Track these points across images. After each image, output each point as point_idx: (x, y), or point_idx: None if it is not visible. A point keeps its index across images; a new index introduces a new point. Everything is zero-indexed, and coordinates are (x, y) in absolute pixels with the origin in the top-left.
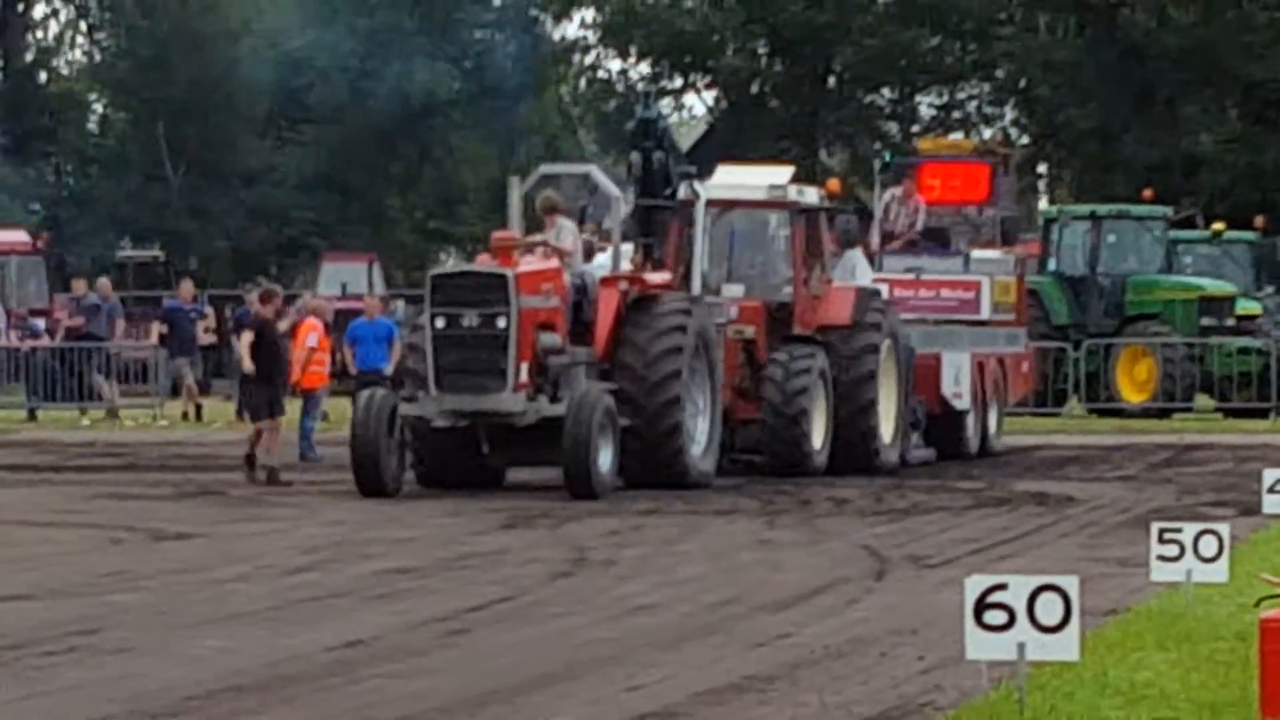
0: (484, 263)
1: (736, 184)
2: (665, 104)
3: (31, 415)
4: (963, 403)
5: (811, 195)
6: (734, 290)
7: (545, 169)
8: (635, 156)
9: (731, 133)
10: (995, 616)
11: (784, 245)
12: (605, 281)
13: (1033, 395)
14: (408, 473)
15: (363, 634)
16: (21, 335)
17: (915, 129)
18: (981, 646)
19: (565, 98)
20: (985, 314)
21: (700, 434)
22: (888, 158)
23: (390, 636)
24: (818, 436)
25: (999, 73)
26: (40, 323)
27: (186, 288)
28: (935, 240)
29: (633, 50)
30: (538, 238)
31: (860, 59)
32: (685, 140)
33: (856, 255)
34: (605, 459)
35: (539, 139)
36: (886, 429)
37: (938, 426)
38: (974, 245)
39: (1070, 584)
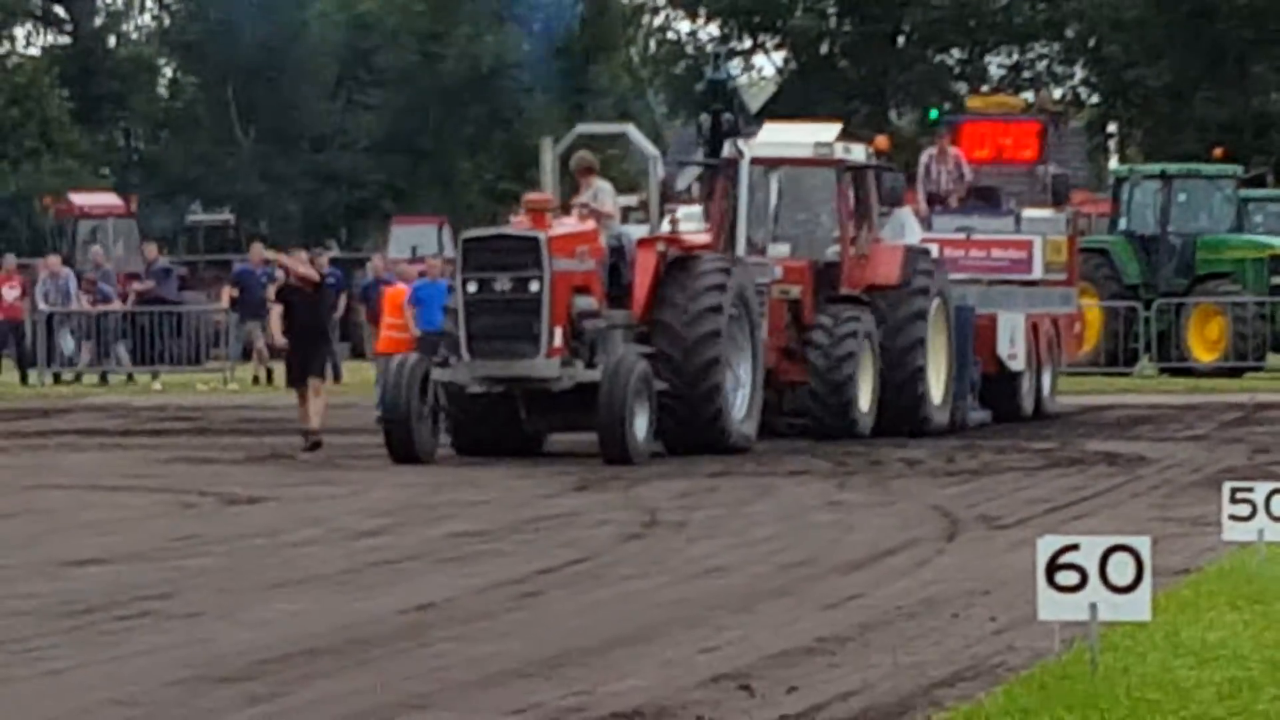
0: (519, 225)
1: (782, 141)
2: (734, 65)
3: (103, 379)
4: (1018, 364)
5: (859, 153)
6: (780, 250)
7: (581, 129)
8: (704, 118)
9: (800, 93)
10: (1067, 577)
11: (831, 204)
12: (643, 243)
13: (1104, 354)
14: (444, 438)
15: (435, 597)
16: (93, 300)
17: (985, 89)
18: (1053, 607)
19: (634, 59)
20: (1037, 274)
21: (741, 396)
22: (933, 115)
23: (462, 599)
24: (864, 398)
25: (1069, 32)
26: (109, 288)
27: (257, 251)
28: (985, 199)
29: (702, 11)
30: (577, 200)
31: (930, 19)
32: (754, 101)
33: (906, 214)
34: (641, 425)
35: (609, 100)
36: (936, 390)
37: (992, 388)
38: (1025, 204)
39: (1142, 544)
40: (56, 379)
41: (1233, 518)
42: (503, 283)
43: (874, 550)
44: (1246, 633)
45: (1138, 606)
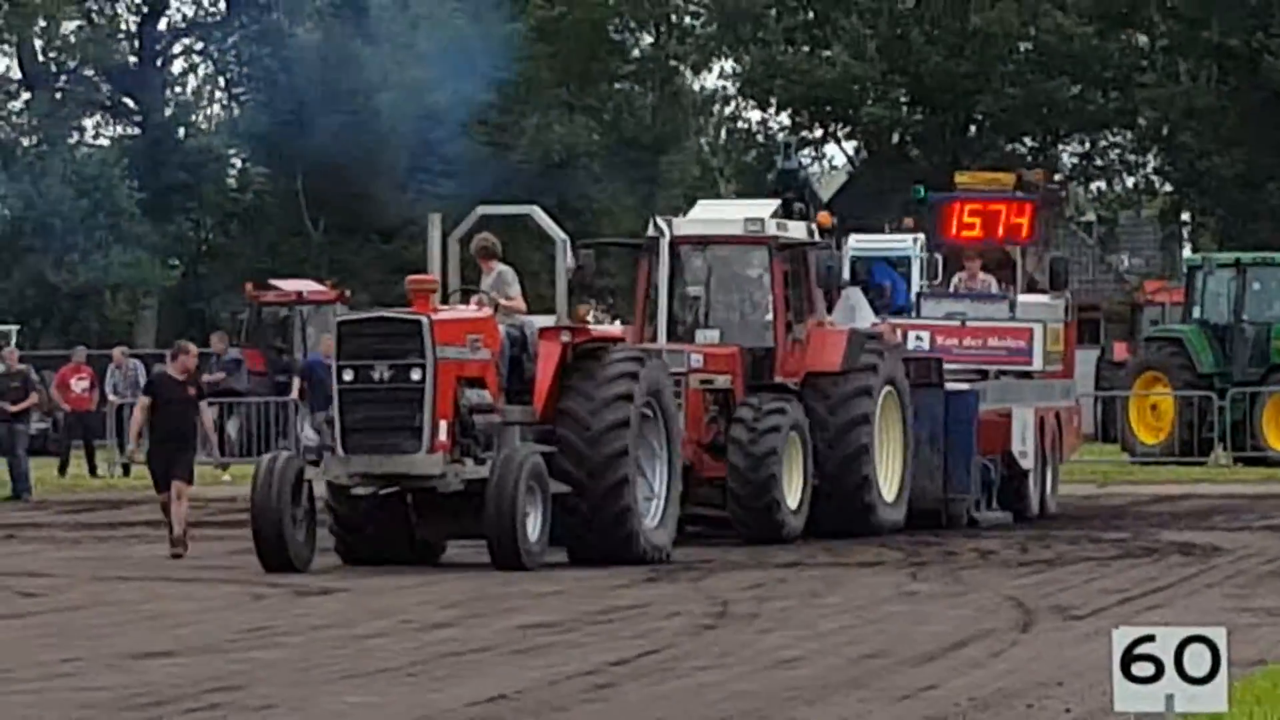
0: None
1: (712, 219)
2: (805, 154)
3: None
4: (1028, 461)
5: (797, 230)
6: (709, 336)
7: (483, 210)
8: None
9: (872, 182)
10: (1143, 668)
11: (764, 285)
12: (545, 333)
13: (1178, 444)
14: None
15: (506, 689)
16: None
17: (1057, 178)
18: (1129, 698)
19: (705, 149)
20: (1038, 364)
21: (654, 502)
22: (920, 194)
23: (534, 691)
24: (792, 497)
25: (1141, 121)
26: None
27: (327, 342)
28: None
29: (773, 101)
30: (490, 289)
31: (1001, 108)
32: (826, 190)
33: (856, 295)
34: (534, 525)
35: (679, 190)
36: (886, 486)
37: (1004, 487)
38: (1017, 289)
39: (1218, 635)
40: (125, 470)
41: None
42: (381, 370)
43: (947, 641)
44: None
45: (1215, 698)
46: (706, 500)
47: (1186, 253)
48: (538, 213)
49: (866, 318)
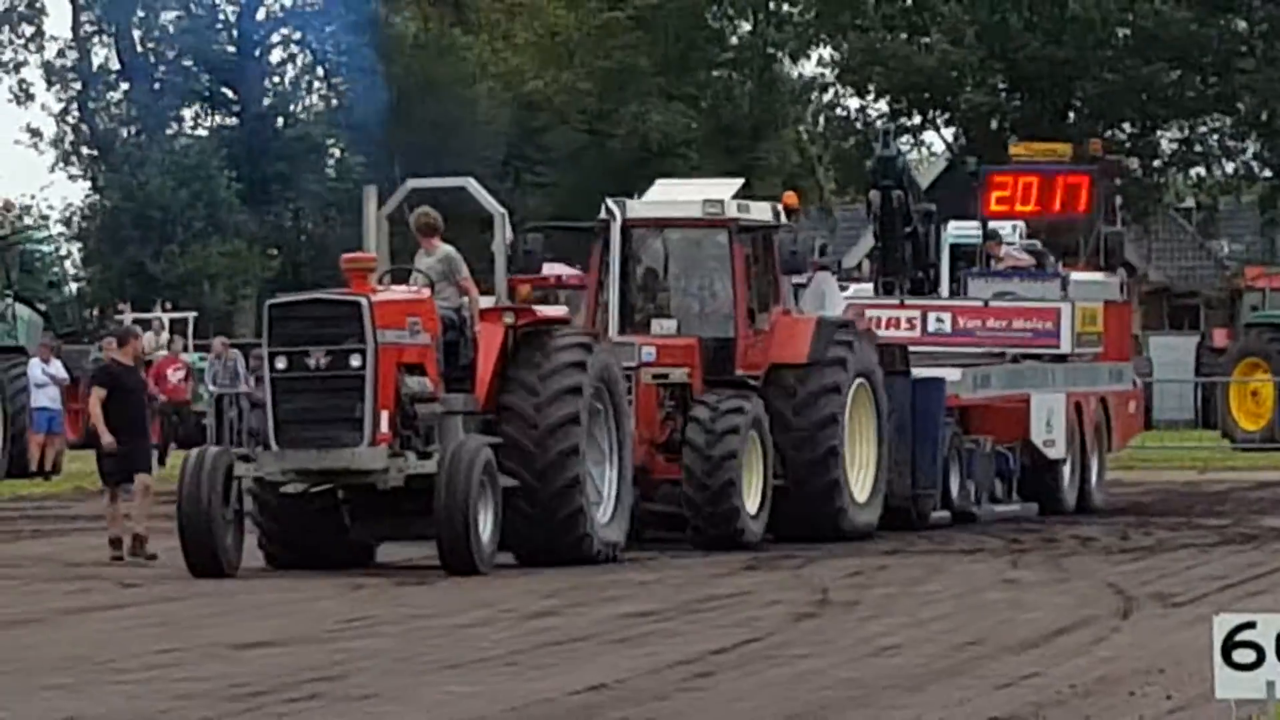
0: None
1: (669, 200)
2: (904, 141)
3: None
4: (1057, 451)
5: (761, 212)
6: (666, 326)
7: (414, 183)
8: (874, 195)
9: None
10: (1244, 655)
11: (725, 272)
12: (486, 315)
13: (1278, 430)
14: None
15: (606, 678)
16: (260, 380)
17: (1156, 164)
18: (1231, 685)
19: (803, 136)
20: (1065, 347)
21: (606, 497)
22: (974, 166)
23: (634, 680)
24: (751, 501)
25: (1240, 106)
26: None
27: None
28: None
29: (871, 88)
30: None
31: (1100, 93)
32: (925, 178)
33: (826, 280)
34: (486, 525)
35: (777, 178)
36: (858, 486)
37: (1030, 478)
38: (1073, 265)
39: None
40: None
41: None
42: (317, 357)
43: (1048, 629)
44: None
45: None
46: (665, 498)
47: None
48: (472, 184)
49: (836, 304)
